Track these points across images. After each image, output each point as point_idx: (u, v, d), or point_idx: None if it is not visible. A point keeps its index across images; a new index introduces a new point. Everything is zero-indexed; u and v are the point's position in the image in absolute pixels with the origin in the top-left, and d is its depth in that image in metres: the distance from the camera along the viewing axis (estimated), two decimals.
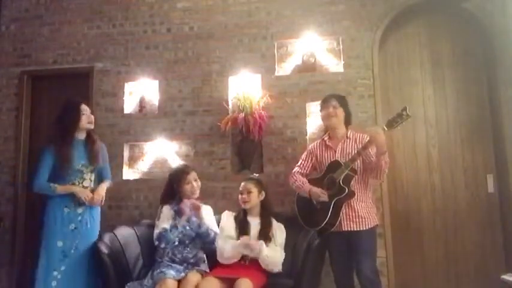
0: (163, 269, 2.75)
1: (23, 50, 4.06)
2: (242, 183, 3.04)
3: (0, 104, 4.02)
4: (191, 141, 3.71)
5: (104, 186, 3.11)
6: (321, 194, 2.80)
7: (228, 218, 3.00)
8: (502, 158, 3.43)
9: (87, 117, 3.06)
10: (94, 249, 2.90)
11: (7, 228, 3.80)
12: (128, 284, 2.79)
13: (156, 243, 2.95)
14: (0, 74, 4.05)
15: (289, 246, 2.96)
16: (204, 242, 2.97)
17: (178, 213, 3.00)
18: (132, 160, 3.82)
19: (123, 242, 3.04)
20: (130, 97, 3.88)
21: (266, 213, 2.99)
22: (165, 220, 2.99)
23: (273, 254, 2.80)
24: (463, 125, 3.57)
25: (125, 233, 3.14)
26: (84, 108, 3.07)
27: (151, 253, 3.03)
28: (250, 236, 2.86)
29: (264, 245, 2.80)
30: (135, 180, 3.73)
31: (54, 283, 2.84)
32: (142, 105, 3.83)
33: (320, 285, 3.09)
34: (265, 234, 2.87)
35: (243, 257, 2.83)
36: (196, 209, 2.98)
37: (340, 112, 2.95)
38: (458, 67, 3.62)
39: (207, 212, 3.09)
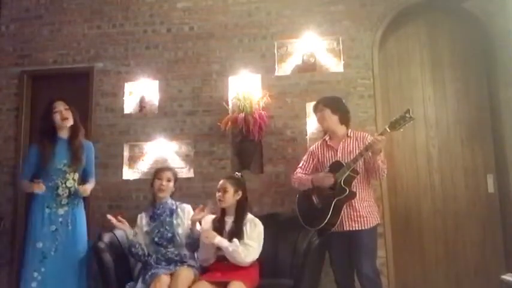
0: (154, 270, 2.74)
1: (23, 50, 4.05)
2: (221, 181, 2.93)
3: (0, 104, 4.01)
4: (191, 141, 3.71)
5: (89, 187, 3.01)
6: (325, 177, 2.78)
7: (207, 220, 2.94)
8: (502, 158, 3.43)
9: (59, 115, 2.96)
10: (83, 251, 2.91)
11: (7, 228, 3.79)
12: (129, 284, 2.80)
13: (128, 252, 2.94)
14: (0, 74, 4.04)
15: (289, 246, 2.95)
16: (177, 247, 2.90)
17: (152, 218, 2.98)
18: (132, 160, 3.81)
19: (123, 242, 3.04)
20: (130, 97, 3.87)
21: (241, 213, 2.89)
22: (138, 232, 2.95)
23: (237, 249, 2.70)
24: (463, 125, 3.57)
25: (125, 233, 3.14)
26: (57, 105, 2.97)
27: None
28: (224, 235, 2.79)
29: (224, 240, 2.72)
30: (135, 180, 3.73)
31: (34, 284, 2.78)
32: (142, 105, 3.82)
33: (320, 285, 3.08)
34: (236, 232, 2.78)
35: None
36: None
37: (329, 114, 2.93)
38: (458, 67, 3.62)
39: (184, 212, 3.00)
